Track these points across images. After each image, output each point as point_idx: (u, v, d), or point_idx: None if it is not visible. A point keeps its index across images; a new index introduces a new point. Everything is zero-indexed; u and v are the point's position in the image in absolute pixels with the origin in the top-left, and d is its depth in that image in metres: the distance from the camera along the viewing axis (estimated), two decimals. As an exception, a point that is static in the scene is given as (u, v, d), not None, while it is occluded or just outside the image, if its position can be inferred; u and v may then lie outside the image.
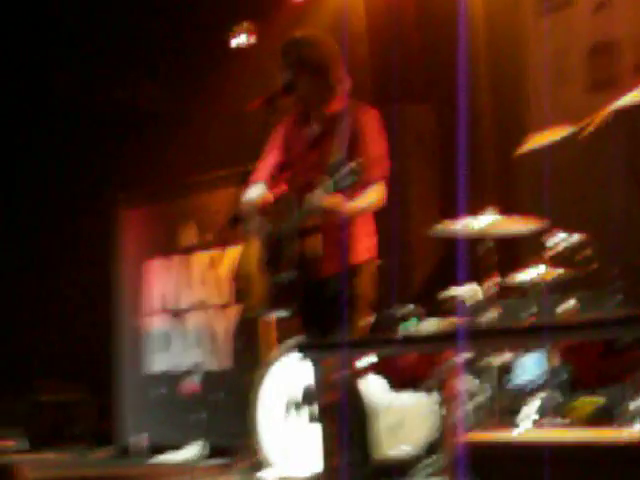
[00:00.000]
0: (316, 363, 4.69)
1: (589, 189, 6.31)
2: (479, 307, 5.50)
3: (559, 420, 4.96)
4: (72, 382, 9.75)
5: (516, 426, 5.10)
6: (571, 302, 5.26)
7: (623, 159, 6.07)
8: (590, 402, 5.21)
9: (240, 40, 8.28)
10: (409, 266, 6.98)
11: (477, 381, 5.36)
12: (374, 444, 4.84)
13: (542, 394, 5.21)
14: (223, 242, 7.84)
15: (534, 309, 5.48)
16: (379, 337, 4.29)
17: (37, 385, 9.73)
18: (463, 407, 5.23)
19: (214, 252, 8.47)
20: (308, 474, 6.09)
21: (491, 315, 5.39)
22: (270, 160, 5.05)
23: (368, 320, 4.86)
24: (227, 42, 8.47)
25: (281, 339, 6.92)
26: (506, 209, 5.67)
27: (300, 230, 4.78)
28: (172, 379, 8.72)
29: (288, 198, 4.91)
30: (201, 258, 8.62)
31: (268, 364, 6.70)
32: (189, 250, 8.72)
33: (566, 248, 5.32)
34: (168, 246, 8.88)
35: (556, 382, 5.12)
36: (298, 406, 6.43)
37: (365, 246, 4.87)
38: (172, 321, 8.82)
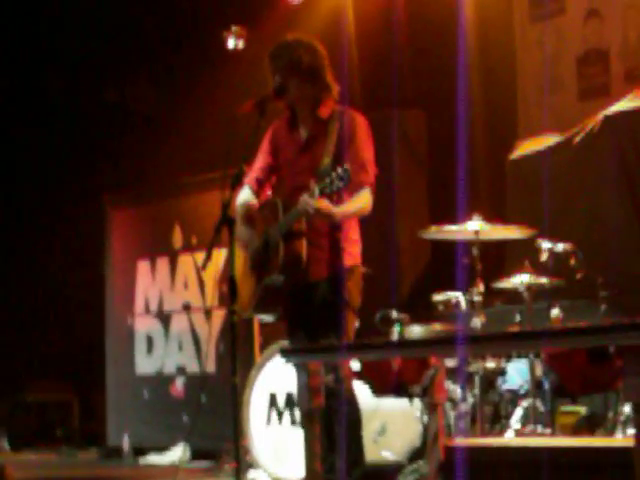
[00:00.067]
0: (300, 368, 4.68)
1: (578, 197, 6.32)
2: (464, 314, 5.50)
3: (542, 429, 4.97)
4: (58, 382, 9.73)
5: (500, 433, 5.11)
6: (556, 311, 5.27)
7: (613, 167, 6.08)
8: (574, 411, 5.22)
9: (231, 44, 8.28)
10: (394, 272, 6.98)
11: (461, 388, 5.36)
12: (359, 449, 4.84)
13: (526, 402, 5.22)
14: (214, 243, 7.82)
15: (519, 317, 5.49)
16: (365, 342, 4.29)
17: (22, 385, 9.71)
18: (447, 414, 5.23)
19: (201, 255, 8.46)
20: (293, 477, 6.08)
21: (476, 322, 5.39)
22: (259, 163, 5.05)
23: (353, 325, 4.86)
24: (219, 44, 8.46)
25: (265, 343, 6.92)
26: (494, 216, 5.67)
27: (286, 234, 4.78)
28: (158, 381, 8.71)
29: (273, 203, 4.91)
30: (187, 260, 8.61)
31: (253, 365, 6.69)
32: (176, 252, 8.71)
33: (552, 257, 5.33)
34: (156, 247, 8.87)
35: (540, 391, 5.12)
36: (282, 410, 6.43)
37: (351, 252, 4.87)
38: (157, 323, 8.81)
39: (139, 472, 7.84)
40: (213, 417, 7.61)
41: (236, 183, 4.50)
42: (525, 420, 5.13)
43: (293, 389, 6.13)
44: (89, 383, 9.33)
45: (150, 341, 8.86)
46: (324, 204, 4.64)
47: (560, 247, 5.30)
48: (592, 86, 6.94)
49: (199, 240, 8.52)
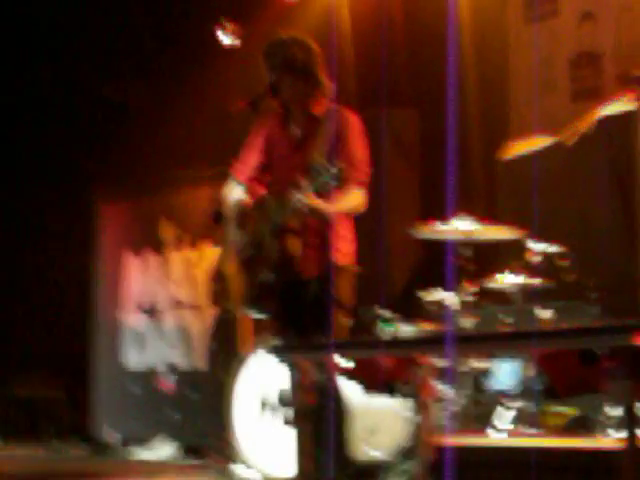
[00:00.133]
0: (292, 365, 4.69)
1: (570, 199, 6.33)
2: (455, 313, 5.52)
3: (533, 429, 4.98)
4: (47, 377, 9.71)
5: (490, 434, 5.11)
6: (546, 312, 5.28)
7: (605, 169, 6.09)
8: (564, 412, 5.23)
9: (225, 41, 8.26)
10: (385, 270, 6.99)
11: (452, 388, 5.37)
12: (350, 447, 4.85)
13: (517, 403, 5.23)
14: (206, 237, 7.83)
15: (510, 317, 5.50)
16: (357, 340, 4.30)
17: (11, 380, 9.68)
18: (438, 413, 5.24)
19: (192, 251, 8.46)
20: (283, 473, 6.09)
21: (467, 322, 5.41)
22: (251, 161, 5.04)
23: (346, 323, 4.86)
24: (212, 40, 8.44)
25: (258, 340, 6.92)
26: (486, 216, 5.68)
27: (279, 231, 4.78)
28: (146, 376, 8.70)
29: (266, 200, 4.91)
30: (178, 256, 8.60)
31: (243, 362, 6.69)
32: (167, 248, 8.70)
33: (543, 258, 5.34)
34: (146, 243, 8.86)
35: (531, 391, 5.13)
36: (274, 407, 6.43)
37: (345, 251, 4.87)
38: (147, 319, 8.81)
39: (128, 467, 7.83)
40: (203, 414, 7.62)
41: (228, 177, 4.51)
42: (515, 421, 5.14)
43: (280, 386, 6.13)
44: (78, 378, 9.31)
45: (139, 336, 8.85)
46: (317, 202, 4.64)
47: (550, 248, 5.32)
48: (584, 88, 6.95)
49: (189, 235, 8.52)
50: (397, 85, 7.36)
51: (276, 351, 4.38)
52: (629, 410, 3.22)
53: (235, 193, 4.99)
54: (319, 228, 4.81)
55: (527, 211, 6.04)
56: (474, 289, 5.55)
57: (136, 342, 8.89)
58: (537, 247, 5.35)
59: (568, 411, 5.24)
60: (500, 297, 5.75)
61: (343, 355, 4.71)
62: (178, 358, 8.51)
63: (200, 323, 8.35)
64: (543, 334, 3.52)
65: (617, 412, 4.69)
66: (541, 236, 5.43)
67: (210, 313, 8.11)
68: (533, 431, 4.96)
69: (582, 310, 5.32)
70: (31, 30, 9.63)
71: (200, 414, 7.79)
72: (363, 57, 7.53)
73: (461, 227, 5.46)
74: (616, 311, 5.23)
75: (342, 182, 4.60)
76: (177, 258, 8.62)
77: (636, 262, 5.77)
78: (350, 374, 5.19)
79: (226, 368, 6.83)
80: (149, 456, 8.19)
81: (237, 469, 6.54)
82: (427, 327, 5.62)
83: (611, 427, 4.75)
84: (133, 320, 8.93)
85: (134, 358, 8.88)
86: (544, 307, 5.31)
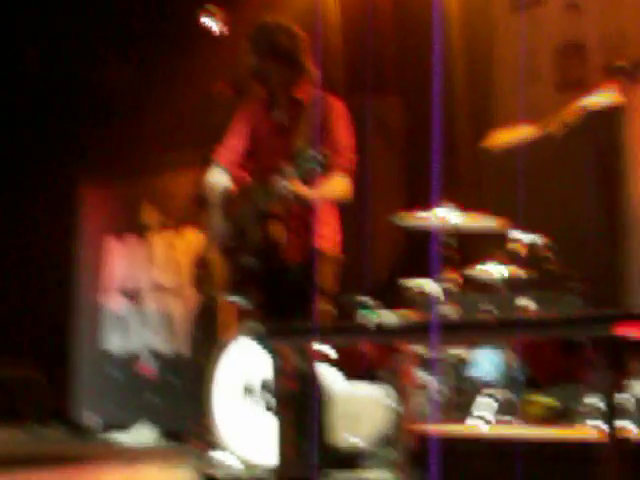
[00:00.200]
0: (274, 352, 4.68)
1: (554, 190, 6.35)
2: (437, 302, 5.52)
3: (512, 419, 5.00)
4: (25, 359, 9.68)
5: (470, 423, 5.13)
6: (528, 301, 5.30)
7: (590, 161, 6.11)
8: (544, 401, 5.25)
9: (211, 27, 8.22)
10: (369, 258, 6.99)
11: (433, 376, 5.38)
12: (330, 434, 4.85)
13: (496, 392, 5.24)
14: (189, 222, 7.81)
15: (491, 307, 5.51)
16: (339, 326, 4.29)
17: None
18: (418, 401, 5.25)
19: (174, 235, 8.44)
20: (263, 458, 6.09)
21: (448, 310, 5.42)
22: (235, 147, 5.02)
23: (328, 310, 4.86)
24: (197, 25, 8.40)
25: (240, 326, 6.91)
26: (470, 205, 5.69)
27: (263, 217, 4.77)
28: (127, 360, 8.70)
29: (250, 186, 4.90)
30: (161, 241, 8.59)
31: (224, 348, 6.68)
32: (148, 231, 8.69)
33: (527, 248, 5.36)
34: (127, 226, 8.85)
35: (511, 380, 5.15)
36: (255, 393, 6.43)
37: (328, 237, 4.87)
38: (128, 302, 8.79)
39: (107, 451, 7.83)
40: (184, 399, 7.61)
41: (210, 161, 4.49)
42: (495, 410, 5.16)
43: (262, 372, 6.13)
44: (59, 361, 9.29)
45: (121, 320, 8.84)
46: (301, 188, 4.64)
47: (534, 239, 5.34)
48: (569, 78, 6.97)
49: (171, 220, 8.50)
50: (383, 73, 7.35)
51: (258, 337, 4.38)
52: (609, 400, 3.23)
53: (219, 179, 4.97)
54: (303, 214, 4.80)
55: (511, 201, 6.06)
56: (457, 278, 5.56)
57: (118, 326, 8.88)
58: (520, 237, 5.36)
59: (549, 401, 5.26)
60: (482, 286, 5.77)
61: (325, 342, 4.71)
62: (160, 343, 8.51)
63: (182, 308, 8.34)
64: (525, 323, 3.52)
65: (596, 401, 4.71)
66: (525, 226, 5.44)
67: (193, 298, 8.10)
68: (513, 420, 4.97)
69: (564, 300, 5.35)
70: (15, 14, 9.57)
71: (181, 399, 7.78)
72: (349, 44, 7.52)
73: (445, 216, 5.46)
74: (598, 301, 5.26)
75: (326, 169, 4.59)
76: (160, 242, 8.61)
77: (618, 253, 5.80)
78: (332, 361, 5.20)
79: (207, 354, 6.82)
80: (129, 440, 8.19)
81: (217, 455, 6.54)
82: (409, 315, 5.62)
83: (591, 417, 4.78)
84: (115, 304, 8.92)
85: (116, 342, 8.87)
86: (526, 297, 5.33)
